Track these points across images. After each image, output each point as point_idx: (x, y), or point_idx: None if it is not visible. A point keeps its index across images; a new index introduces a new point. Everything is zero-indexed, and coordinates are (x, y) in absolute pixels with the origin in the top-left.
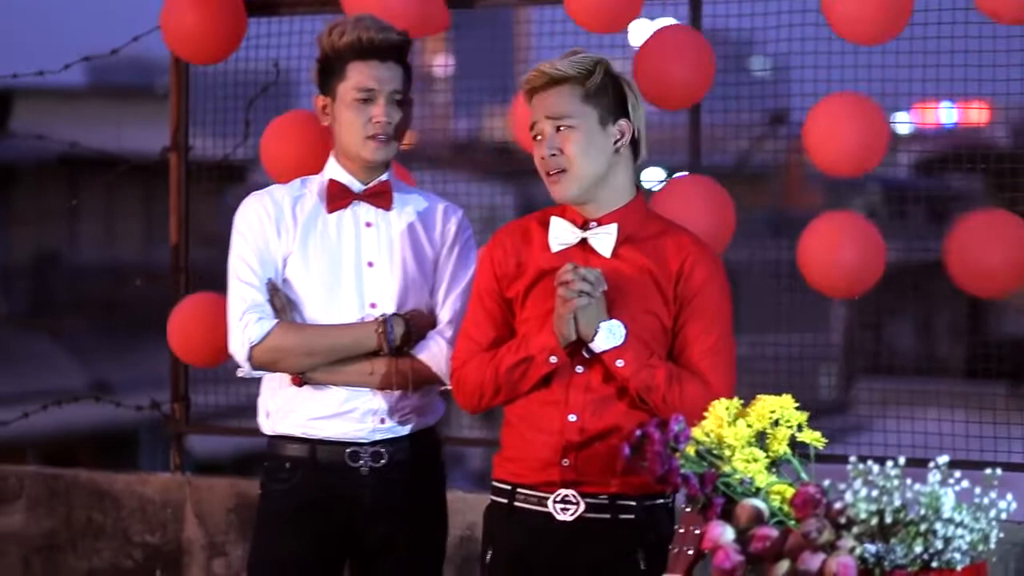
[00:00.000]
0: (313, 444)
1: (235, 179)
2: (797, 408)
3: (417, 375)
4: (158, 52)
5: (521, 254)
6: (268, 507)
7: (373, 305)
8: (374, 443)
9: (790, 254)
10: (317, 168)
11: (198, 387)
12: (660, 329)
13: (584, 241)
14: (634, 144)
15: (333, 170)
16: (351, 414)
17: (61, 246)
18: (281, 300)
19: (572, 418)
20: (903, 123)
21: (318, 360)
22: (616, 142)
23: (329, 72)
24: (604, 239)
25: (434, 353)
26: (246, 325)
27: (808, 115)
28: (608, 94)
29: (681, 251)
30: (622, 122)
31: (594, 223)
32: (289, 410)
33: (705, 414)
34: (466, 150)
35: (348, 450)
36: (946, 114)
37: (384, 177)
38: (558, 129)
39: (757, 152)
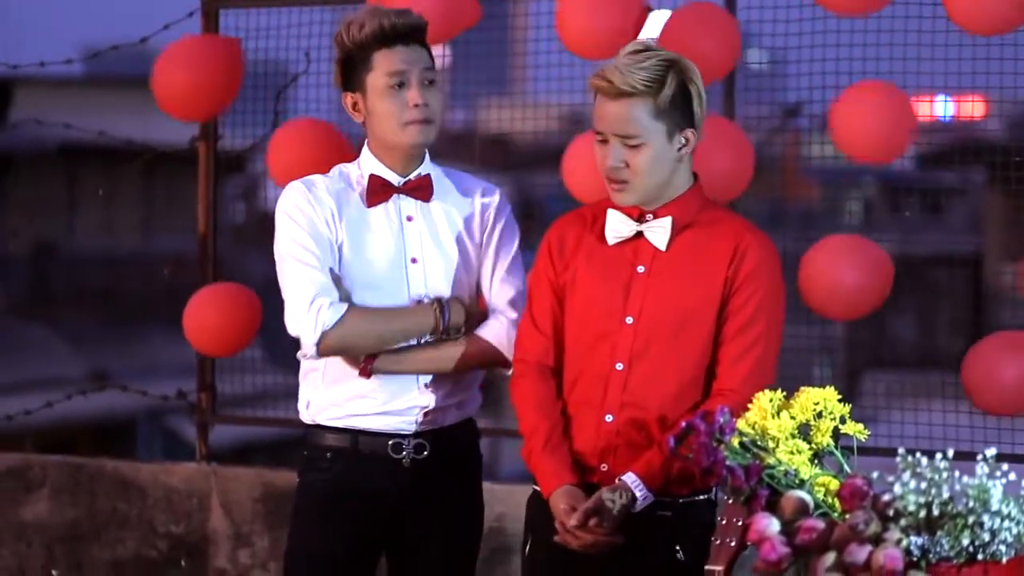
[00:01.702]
0: (355, 435)
1: (232, 169)
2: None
3: (483, 356)
4: (155, 42)
5: (578, 242)
6: (307, 496)
7: (419, 302)
8: (417, 435)
9: (792, 245)
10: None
11: (223, 376)
12: (713, 319)
13: (640, 233)
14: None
15: (371, 164)
16: (395, 409)
17: (60, 236)
18: (345, 291)
19: (608, 419)
20: None
21: (387, 344)
22: (680, 150)
23: (353, 67)
24: (659, 232)
25: (498, 333)
26: (319, 309)
27: (834, 104)
28: (677, 106)
29: (735, 236)
30: (688, 132)
31: (650, 215)
32: (332, 404)
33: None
34: (462, 141)
35: (391, 442)
36: (942, 108)
37: (423, 170)
38: (627, 144)
39: (770, 144)
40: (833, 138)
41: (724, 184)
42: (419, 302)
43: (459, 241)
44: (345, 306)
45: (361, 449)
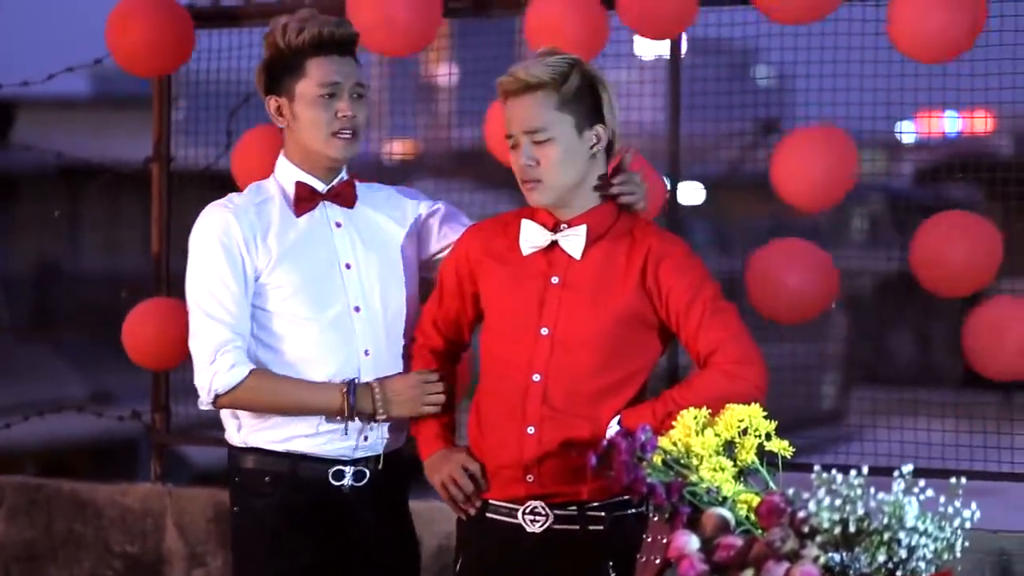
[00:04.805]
0: (295, 460)
1: (229, 189)
2: (767, 416)
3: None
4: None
5: (489, 252)
6: (248, 523)
7: (357, 309)
8: (356, 461)
9: None
10: None
11: (189, 397)
12: (641, 323)
13: (555, 243)
14: (608, 143)
15: (293, 173)
16: (335, 431)
17: (61, 256)
18: (254, 344)
19: (530, 431)
20: (907, 133)
21: (285, 413)
22: (592, 147)
23: (283, 71)
24: (574, 240)
25: None
26: (215, 373)
27: (774, 151)
28: (584, 99)
29: (642, 241)
30: (598, 127)
31: (564, 224)
32: (266, 425)
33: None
34: (469, 159)
35: (332, 469)
36: (950, 123)
37: (346, 176)
38: (536, 142)
39: (748, 161)
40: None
41: None
42: (349, 381)
43: (390, 243)
44: (245, 372)
45: (300, 475)
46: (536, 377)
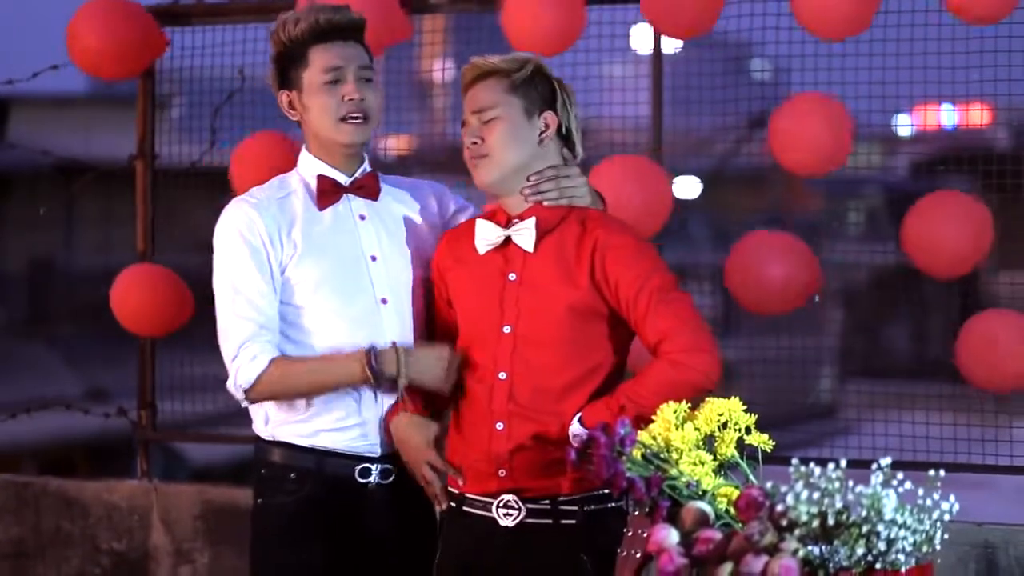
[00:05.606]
0: (321, 456)
1: (215, 186)
2: (746, 410)
3: None
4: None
5: (456, 256)
6: (271, 517)
7: (384, 301)
8: (383, 458)
9: None
10: None
11: (180, 395)
12: (596, 315)
13: (509, 239)
14: (569, 144)
15: (315, 166)
16: (363, 426)
17: (55, 254)
18: (287, 335)
19: (499, 426)
20: (904, 125)
21: (315, 393)
22: (541, 133)
23: (289, 64)
24: (525, 234)
25: None
26: (239, 368)
27: (772, 117)
28: (536, 87)
29: (590, 233)
30: (548, 114)
31: (516, 219)
32: (293, 419)
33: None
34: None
35: (359, 467)
36: (947, 116)
37: (368, 168)
38: (484, 122)
39: (736, 155)
40: (772, 151)
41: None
42: (371, 347)
43: (416, 236)
44: (265, 362)
45: (327, 471)
46: (502, 375)
